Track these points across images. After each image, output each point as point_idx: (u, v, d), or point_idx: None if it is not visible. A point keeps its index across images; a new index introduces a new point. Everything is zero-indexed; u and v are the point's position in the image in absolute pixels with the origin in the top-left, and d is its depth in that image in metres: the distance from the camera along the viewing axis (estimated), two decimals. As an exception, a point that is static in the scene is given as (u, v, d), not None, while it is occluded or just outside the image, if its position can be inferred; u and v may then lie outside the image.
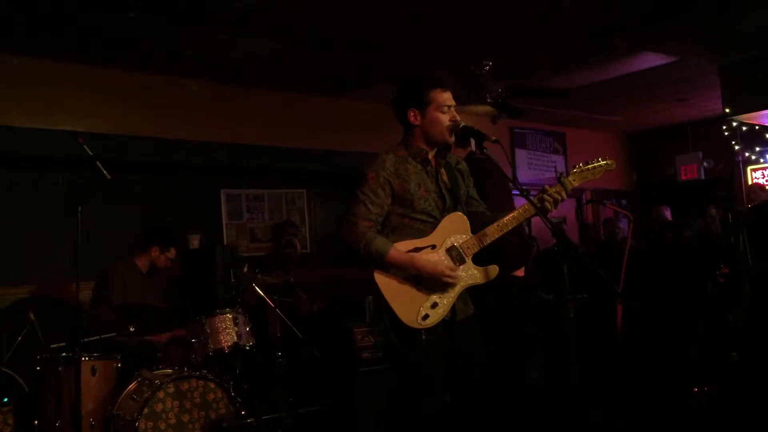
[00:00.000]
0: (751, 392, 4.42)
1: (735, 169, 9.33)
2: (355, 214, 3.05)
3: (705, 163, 9.72)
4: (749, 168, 9.28)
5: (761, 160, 9.10)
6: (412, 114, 3.15)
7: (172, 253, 5.30)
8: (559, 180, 3.19)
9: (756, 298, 4.52)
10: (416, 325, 2.96)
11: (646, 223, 8.64)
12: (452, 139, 3.17)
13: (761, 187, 8.34)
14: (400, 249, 3.01)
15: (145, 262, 5.23)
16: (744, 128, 8.58)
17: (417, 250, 3.03)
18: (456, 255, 3.08)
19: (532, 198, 3.11)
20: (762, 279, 4.56)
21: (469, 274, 3.11)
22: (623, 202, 10.11)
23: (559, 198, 3.15)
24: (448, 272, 3.01)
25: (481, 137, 3.11)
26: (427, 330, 2.97)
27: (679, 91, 8.22)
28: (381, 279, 3.00)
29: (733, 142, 8.82)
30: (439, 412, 3.01)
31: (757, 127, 8.54)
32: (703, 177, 9.73)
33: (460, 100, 3.22)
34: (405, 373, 3.04)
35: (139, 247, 5.25)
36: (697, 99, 8.62)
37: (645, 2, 5.36)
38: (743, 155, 9.15)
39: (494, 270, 3.16)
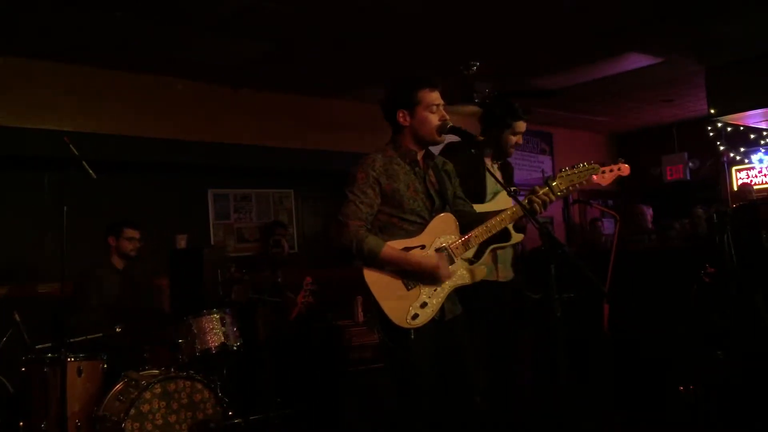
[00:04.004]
0: (736, 391, 4.45)
1: (720, 169, 9.42)
2: (345, 214, 3.04)
3: (690, 164, 9.80)
4: (734, 168, 9.39)
5: (746, 161, 9.20)
6: (401, 115, 3.16)
7: (126, 233, 5.16)
8: (546, 183, 3.21)
9: (740, 298, 4.56)
10: (406, 325, 2.96)
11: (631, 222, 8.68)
12: (441, 139, 3.18)
13: (749, 188, 8.40)
14: (393, 247, 3.02)
15: (115, 257, 5.18)
16: (729, 129, 8.66)
17: (407, 250, 3.03)
18: (445, 255, 3.08)
19: (520, 199, 3.15)
20: (746, 278, 4.60)
21: (458, 275, 3.12)
22: (609, 202, 10.18)
23: (548, 200, 3.19)
24: (441, 264, 3.02)
25: (468, 137, 3.13)
26: (416, 330, 2.97)
27: (665, 92, 8.28)
28: (370, 278, 2.99)
29: (719, 143, 8.91)
30: (428, 411, 3.01)
31: (741, 128, 8.63)
32: (688, 177, 9.81)
33: (448, 100, 3.23)
34: (394, 372, 3.05)
35: (106, 248, 5.24)
36: (683, 100, 8.69)
37: (632, 4, 5.39)
38: (728, 156, 9.24)
39: (482, 271, 3.18)
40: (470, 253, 3.19)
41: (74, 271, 4.86)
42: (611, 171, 3.61)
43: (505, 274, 3.96)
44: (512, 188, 3.34)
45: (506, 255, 3.96)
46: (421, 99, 3.13)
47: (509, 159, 4.21)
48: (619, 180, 3.69)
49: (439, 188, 3.22)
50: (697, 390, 4.71)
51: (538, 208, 3.17)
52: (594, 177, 3.64)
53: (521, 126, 4.02)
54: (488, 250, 3.46)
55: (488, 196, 3.91)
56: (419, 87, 3.14)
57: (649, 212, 8.35)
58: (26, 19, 5.06)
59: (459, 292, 3.17)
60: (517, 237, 3.70)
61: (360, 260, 3.01)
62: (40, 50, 5.71)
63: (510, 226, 3.46)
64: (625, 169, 3.62)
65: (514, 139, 4.00)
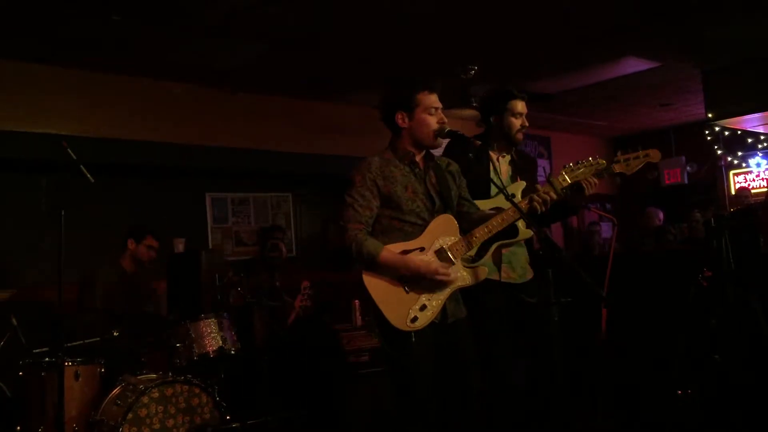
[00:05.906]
0: (734, 395, 4.45)
1: (718, 173, 9.44)
2: (345, 219, 3.05)
3: (688, 168, 9.82)
4: (732, 172, 9.40)
5: (743, 165, 9.21)
6: (399, 117, 3.16)
7: (149, 240, 5.20)
8: (548, 180, 3.21)
9: (738, 302, 4.56)
10: (405, 328, 2.95)
11: (633, 225, 8.70)
12: (438, 143, 3.18)
13: (746, 192, 8.40)
14: (391, 250, 3.02)
15: (128, 261, 5.19)
16: (726, 133, 8.68)
17: (406, 252, 3.03)
18: (444, 257, 3.08)
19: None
20: (744, 282, 4.60)
21: (459, 276, 3.11)
22: (607, 206, 10.18)
23: (548, 198, 3.18)
24: (441, 270, 3.01)
25: (465, 141, 3.13)
26: (417, 332, 2.96)
27: (662, 95, 8.29)
28: (370, 281, 2.99)
29: (716, 147, 8.93)
30: (428, 414, 3.00)
31: (739, 132, 8.64)
32: (686, 181, 9.82)
33: (446, 104, 3.23)
34: (394, 376, 3.04)
35: (121, 249, 5.23)
36: (681, 104, 8.70)
37: (628, 7, 5.40)
38: (726, 160, 9.26)
39: (483, 272, 3.16)
40: (472, 252, 3.17)
41: (72, 275, 4.85)
42: (636, 158, 3.37)
43: (512, 275, 3.67)
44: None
45: (515, 255, 3.69)
46: (419, 101, 3.13)
47: (532, 155, 3.98)
48: (617, 183, 3.67)
49: (440, 189, 3.21)
50: (695, 394, 4.71)
51: (538, 207, 3.16)
52: (615, 167, 3.39)
53: (519, 105, 3.74)
54: (492, 249, 3.34)
55: (493, 191, 3.67)
56: (418, 89, 3.14)
57: (658, 214, 8.35)
58: (24, 22, 5.05)
59: (463, 291, 3.16)
60: (525, 233, 3.53)
61: (360, 263, 3.01)
62: (38, 54, 5.71)
63: (520, 222, 3.31)
64: (654, 154, 3.38)
65: (517, 122, 3.73)
